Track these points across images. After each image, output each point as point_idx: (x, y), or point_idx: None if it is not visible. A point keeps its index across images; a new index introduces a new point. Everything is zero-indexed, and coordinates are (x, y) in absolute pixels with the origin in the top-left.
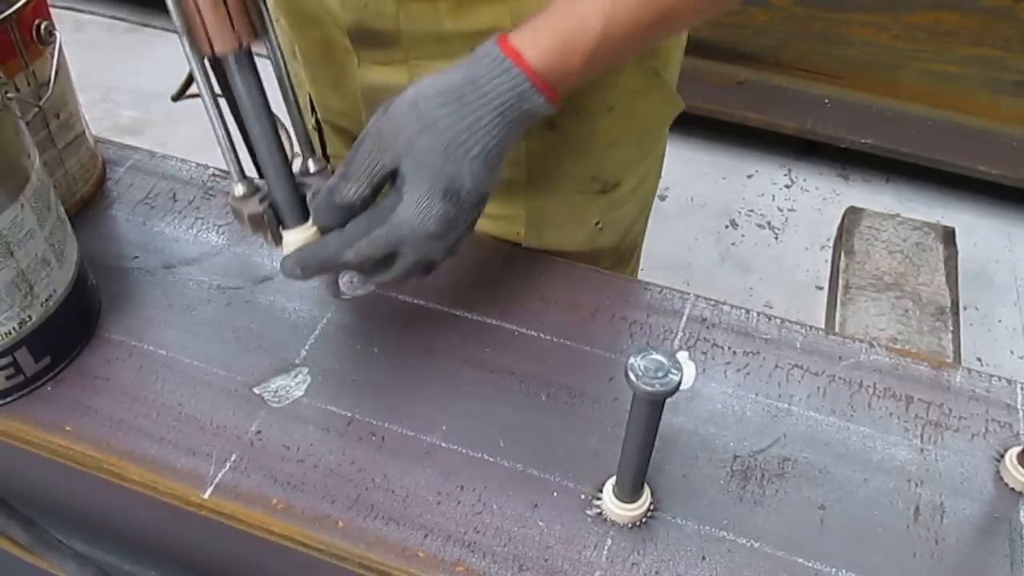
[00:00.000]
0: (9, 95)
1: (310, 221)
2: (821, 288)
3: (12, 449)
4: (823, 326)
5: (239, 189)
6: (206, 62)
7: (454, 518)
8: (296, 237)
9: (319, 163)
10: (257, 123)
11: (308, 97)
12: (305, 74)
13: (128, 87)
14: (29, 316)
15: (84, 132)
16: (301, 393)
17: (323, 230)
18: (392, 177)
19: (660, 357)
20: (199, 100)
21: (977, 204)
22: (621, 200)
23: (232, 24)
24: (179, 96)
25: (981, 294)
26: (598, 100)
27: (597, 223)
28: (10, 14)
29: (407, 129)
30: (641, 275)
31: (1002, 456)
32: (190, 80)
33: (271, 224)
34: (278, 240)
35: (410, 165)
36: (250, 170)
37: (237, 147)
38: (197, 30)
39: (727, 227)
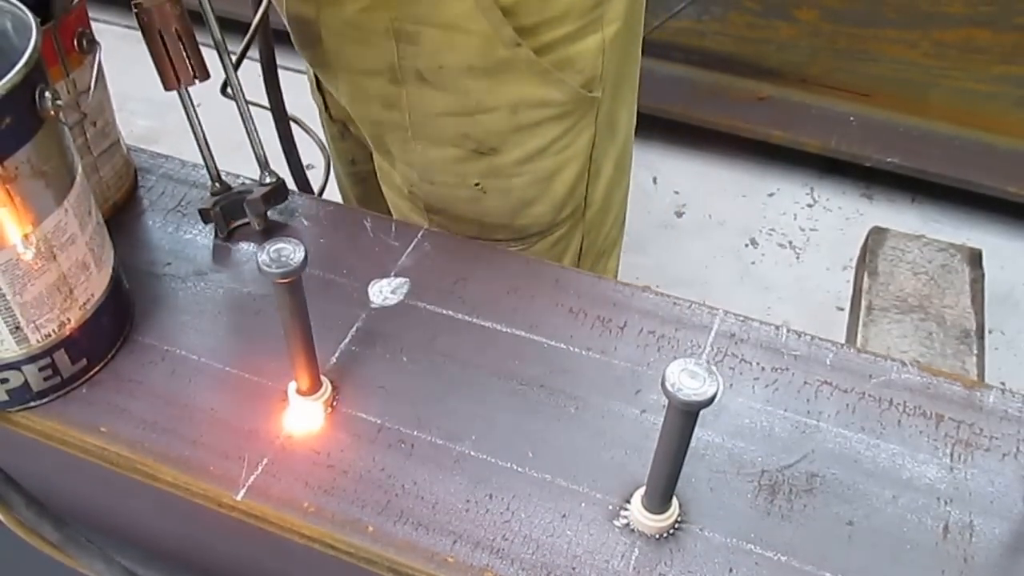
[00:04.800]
0: (59, 101)
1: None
2: (842, 309)
3: (47, 449)
4: None
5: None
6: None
7: (483, 525)
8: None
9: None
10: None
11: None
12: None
13: (143, 96)
14: (68, 319)
15: (118, 140)
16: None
17: None
18: None
19: (696, 368)
20: (213, 112)
21: (1006, 226)
22: (505, 169)
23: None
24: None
25: (1008, 318)
26: (457, 60)
27: (477, 184)
28: (53, 22)
29: None
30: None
31: None
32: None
33: None
34: None
35: None
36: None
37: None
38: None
39: (747, 246)
